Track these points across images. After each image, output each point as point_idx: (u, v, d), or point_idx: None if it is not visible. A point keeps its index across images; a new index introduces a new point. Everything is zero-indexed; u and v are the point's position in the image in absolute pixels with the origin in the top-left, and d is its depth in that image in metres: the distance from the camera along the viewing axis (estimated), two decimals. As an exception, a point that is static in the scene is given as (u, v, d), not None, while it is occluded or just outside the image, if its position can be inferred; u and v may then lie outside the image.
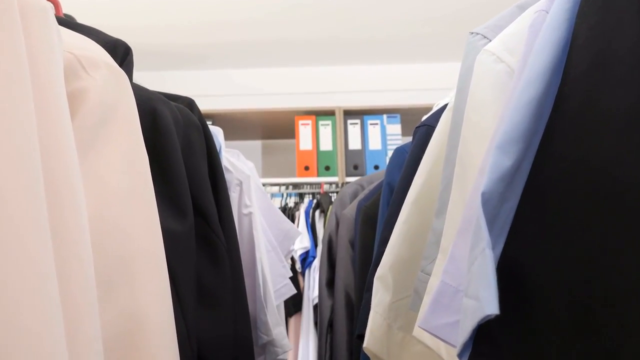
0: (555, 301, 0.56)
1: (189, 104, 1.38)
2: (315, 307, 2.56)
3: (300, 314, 2.64)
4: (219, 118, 3.34)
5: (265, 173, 3.77)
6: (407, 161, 1.11)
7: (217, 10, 3.16)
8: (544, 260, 0.59)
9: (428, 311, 0.71)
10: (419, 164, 1.05)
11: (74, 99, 0.78)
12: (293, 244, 1.79)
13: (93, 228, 0.74)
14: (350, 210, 1.70)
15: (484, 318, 0.52)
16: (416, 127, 1.14)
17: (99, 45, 0.89)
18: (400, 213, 1.01)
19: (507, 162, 0.59)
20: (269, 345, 1.45)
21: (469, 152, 0.82)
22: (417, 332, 0.90)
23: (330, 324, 1.75)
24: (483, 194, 0.57)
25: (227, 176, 1.51)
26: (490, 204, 0.57)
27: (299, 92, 3.81)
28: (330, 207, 1.92)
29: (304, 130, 3.43)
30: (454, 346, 0.64)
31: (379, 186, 1.57)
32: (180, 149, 1.19)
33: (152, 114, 1.17)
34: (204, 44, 3.55)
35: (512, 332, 0.59)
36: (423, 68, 3.90)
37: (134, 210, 0.79)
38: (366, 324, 1.02)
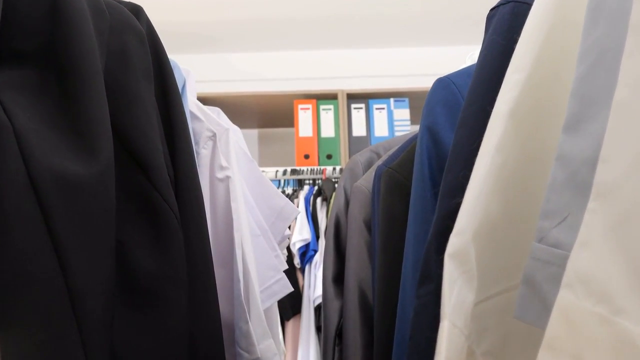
0: None
1: (135, 9, 0.87)
2: (318, 310, 2.04)
3: (300, 317, 2.11)
4: (212, 103, 2.83)
5: (262, 163, 3.25)
6: (485, 58, 0.60)
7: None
8: None
9: None
10: (507, 58, 0.54)
11: None
12: (289, 226, 1.27)
13: None
14: (365, 181, 1.19)
15: None
16: (491, 10, 0.64)
17: None
18: (486, 137, 0.50)
19: None
20: (252, 367, 0.93)
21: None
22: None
23: (339, 333, 1.23)
24: None
25: (194, 126, 1.00)
26: None
27: (300, 77, 3.31)
28: (338, 182, 1.39)
29: (304, 115, 2.93)
30: None
31: (409, 142, 1.07)
32: (99, 54, 0.69)
33: (50, -7, 0.66)
34: (196, 23, 3.05)
35: None
36: (434, 52, 3.40)
37: None
38: (424, 349, 0.50)
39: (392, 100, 2.95)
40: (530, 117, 0.48)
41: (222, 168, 0.98)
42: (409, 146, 1.03)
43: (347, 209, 1.24)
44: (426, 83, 2.96)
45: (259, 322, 0.94)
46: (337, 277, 1.25)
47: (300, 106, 2.91)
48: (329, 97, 2.91)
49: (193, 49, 3.28)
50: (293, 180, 2.55)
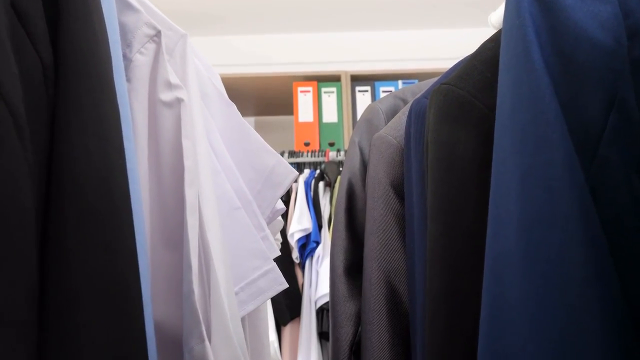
0: None
1: None
2: (320, 312, 1.61)
3: (299, 321, 1.69)
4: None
5: (258, 153, 2.83)
6: None
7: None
8: None
9: None
10: None
11: None
12: (282, 194, 0.84)
13: None
14: (392, 129, 0.77)
15: None
16: None
17: None
18: None
19: None
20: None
21: None
22: None
23: (356, 350, 0.78)
24: None
25: (125, 19, 0.58)
26: None
27: (301, 61, 2.90)
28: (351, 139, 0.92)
29: (304, 99, 2.52)
30: None
31: (464, 60, 0.65)
32: None
33: None
34: (191, 1, 2.64)
35: None
36: (443, 34, 2.99)
37: None
38: None
39: (400, 82, 2.54)
40: None
41: (170, 86, 0.56)
42: (467, 59, 0.61)
43: (365, 171, 0.82)
44: (436, 65, 2.55)
45: (224, 340, 0.52)
46: (351, 268, 0.82)
47: (300, 89, 2.50)
48: (331, 79, 2.51)
49: (187, 30, 2.87)
50: (292, 165, 2.13)
